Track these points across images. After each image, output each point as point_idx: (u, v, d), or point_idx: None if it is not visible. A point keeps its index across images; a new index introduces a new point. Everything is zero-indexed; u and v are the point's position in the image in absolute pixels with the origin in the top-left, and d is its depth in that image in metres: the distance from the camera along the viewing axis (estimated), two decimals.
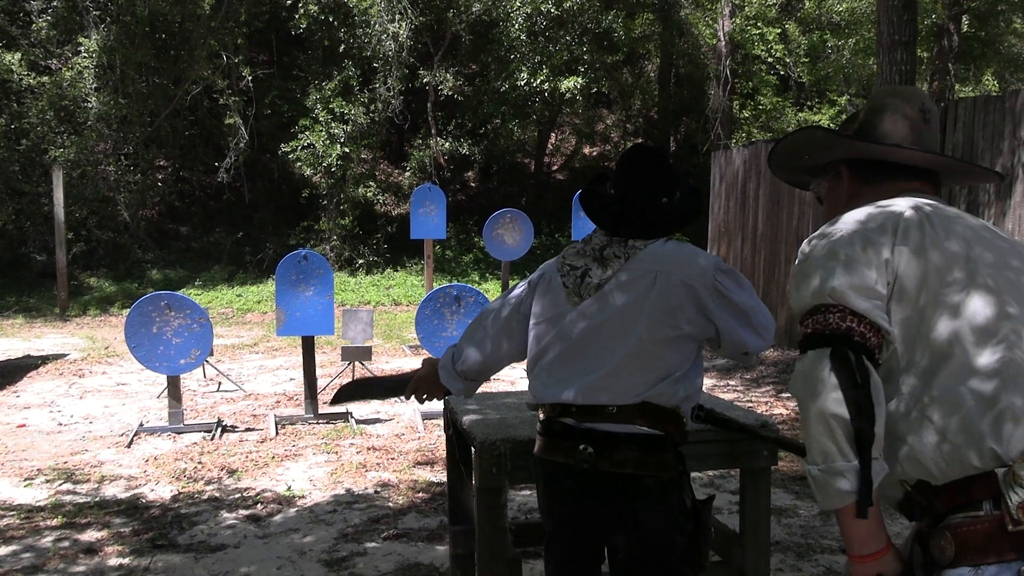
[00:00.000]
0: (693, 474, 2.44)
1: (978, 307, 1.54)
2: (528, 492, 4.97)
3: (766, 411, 6.90)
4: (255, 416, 6.91)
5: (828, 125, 17.48)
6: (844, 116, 17.32)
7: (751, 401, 7.33)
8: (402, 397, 2.57)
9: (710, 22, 17.03)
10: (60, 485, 5.20)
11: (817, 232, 1.71)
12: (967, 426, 1.47)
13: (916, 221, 1.60)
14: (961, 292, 1.55)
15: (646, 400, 2.12)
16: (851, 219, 1.66)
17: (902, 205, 1.67)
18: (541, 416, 2.27)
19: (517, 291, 2.43)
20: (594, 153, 20.93)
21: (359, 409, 7.05)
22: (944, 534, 1.49)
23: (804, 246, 1.70)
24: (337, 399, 2.76)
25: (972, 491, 1.47)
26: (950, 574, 1.47)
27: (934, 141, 1.85)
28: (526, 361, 2.35)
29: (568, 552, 2.28)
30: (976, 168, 2.22)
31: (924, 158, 1.80)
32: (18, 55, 14.42)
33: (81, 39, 14.63)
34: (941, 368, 1.51)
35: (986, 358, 1.49)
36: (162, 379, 7.30)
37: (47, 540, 4.32)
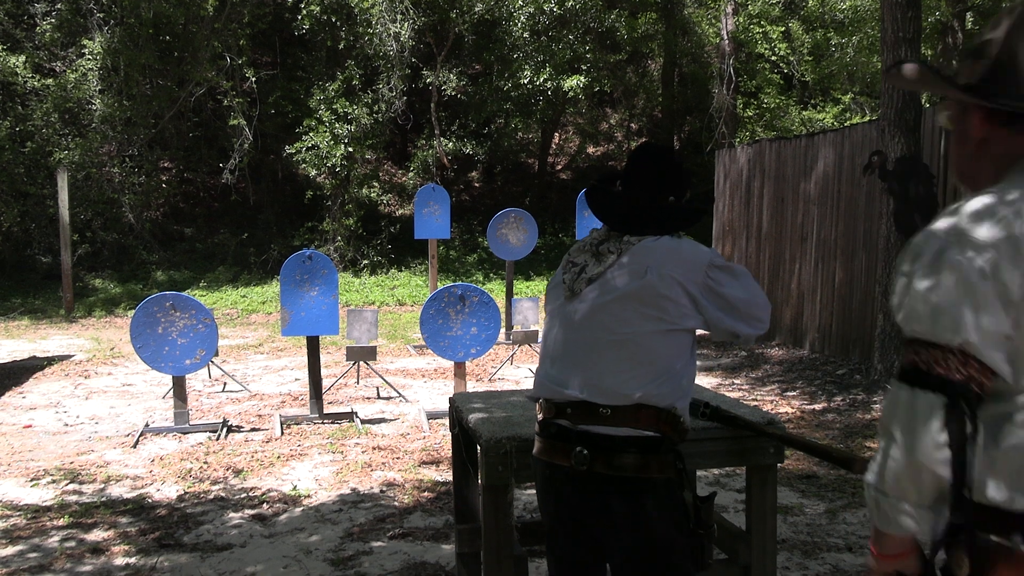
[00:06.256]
0: (700, 472, 2.43)
1: None
2: (534, 491, 4.97)
3: (772, 409, 6.89)
4: (260, 416, 6.92)
5: (840, 117, 16.96)
6: (848, 115, 17.25)
7: (757, 399, 7.32)
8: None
9: (713, 21, 17.01)
10: (66, 485, 5.21)
11: (948, 229, 1.40)
12: None
13: None
14: None
15: (640, 402, 2.10)
16: (984, 237, 1.37)
17: None
18: (539, 417, 2.27)
19: None
20: (598, 152, 20.92)
21: (364, 409, 7.06)
22: (966, 550, 1.43)
23: (925, 250, 1.40)
24: None
25: (1008, 520, 1.40)
26: None
27: None
28: None
29: (568, 553, 2.27)
30: None
31: None
32: (22, 58, 14.46)
33: (85, 41, 14.67)
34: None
35: None
36: (167, 379, 7.32)
37: (54, 540, 4.33)
